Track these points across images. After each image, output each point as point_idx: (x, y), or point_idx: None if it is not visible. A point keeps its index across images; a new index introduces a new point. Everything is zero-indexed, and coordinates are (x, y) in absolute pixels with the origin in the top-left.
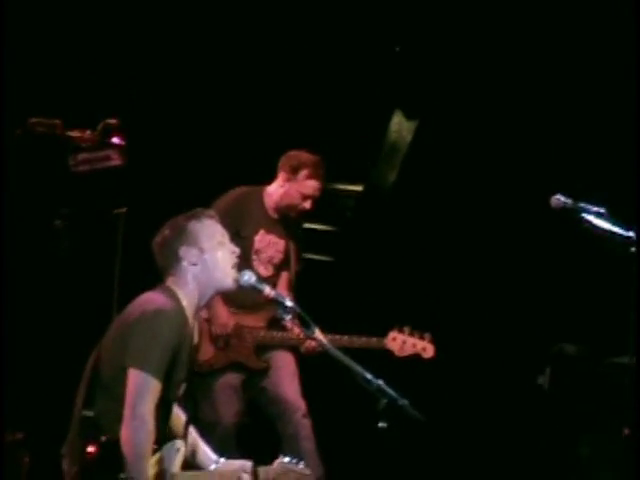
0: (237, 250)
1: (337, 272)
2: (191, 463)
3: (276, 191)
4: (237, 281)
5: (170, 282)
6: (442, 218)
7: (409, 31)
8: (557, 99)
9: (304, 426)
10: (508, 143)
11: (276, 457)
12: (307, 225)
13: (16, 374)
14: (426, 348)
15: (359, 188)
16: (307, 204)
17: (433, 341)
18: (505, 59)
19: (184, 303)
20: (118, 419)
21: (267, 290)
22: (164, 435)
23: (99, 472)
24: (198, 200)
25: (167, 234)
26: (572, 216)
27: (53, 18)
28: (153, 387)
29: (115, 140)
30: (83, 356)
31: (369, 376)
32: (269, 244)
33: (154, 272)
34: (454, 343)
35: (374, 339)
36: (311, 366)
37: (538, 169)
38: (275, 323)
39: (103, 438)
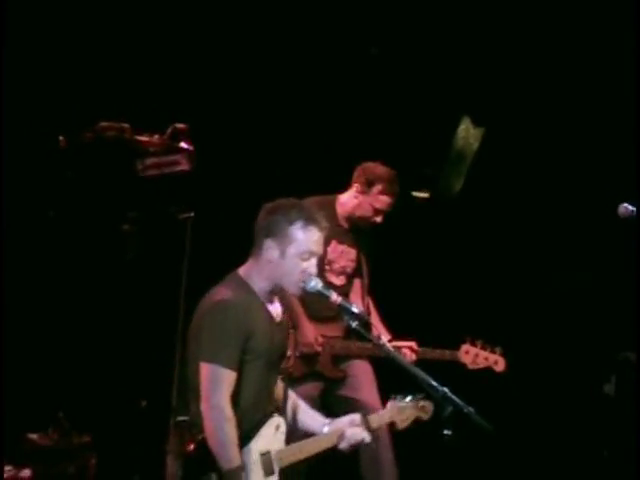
0: (314, 272)
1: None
2: (294, 430)
3: (349, 201)
4: (303, 289)
5: (245, 268)
6: (508, 226)
7: (478, 38)
8: (625, 108)
9: (383, 434)
10: (575, 151)
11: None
12: None
13: (83, 376)
14: (498, 361)
15: (426, 195)
16: (378, 218)
17: (504, 355)
18: (572, 67)
19: (255, 288)
20: None
21: (334, 297)
22: (263, 413)
23: (197, 468)
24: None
25: (270, 218)
26: (637, 224)
27: (121, 21)
28: (225, 377)
29: (183, 145)
30: (149, 359)
31: (435, 383)
32: (341, 254)
33: (221, 276)
34: (520, 352)
35: (447, 352)
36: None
37: (605, 177)
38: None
39: (200, 437)
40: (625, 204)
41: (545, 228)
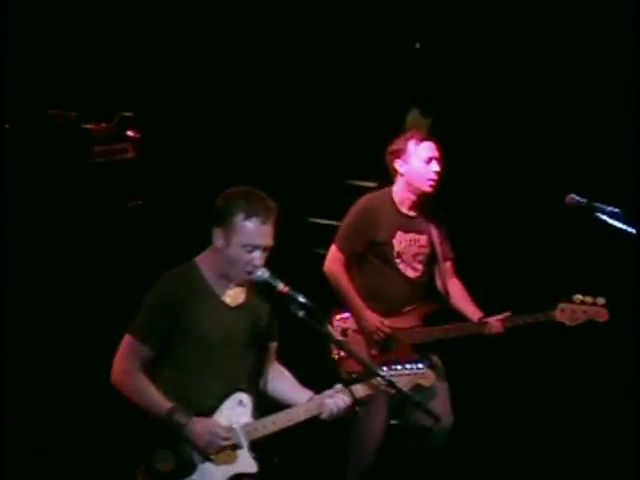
0: (258, 264)
1: None
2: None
3: (401, 182)
4: (250, 278)
5: (203, 253)
6: (456, 216)
7: (428, 28)
8: (574, 99)
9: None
10: (524, 141)
11: None
12: (320, 221)
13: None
14: (599, 313)
15: (374, 184)
16: (434, 166)
17: (606, 305)
18: (522, 58)
19: (206, 274)
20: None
21: (280, 286)
22: (220, 393)
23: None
24: (211, 193)
25: (219, 206)
26: (586, 215)
27: (70, 11)
28: (135, 347)
29: (130, 133)
30: (96, 349)
31: (382, 373)
32: (410, 243)
33: (168, 263)
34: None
35: (540, 314)
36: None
37: (554, 168)
38: (430, 320)
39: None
40: (572, 194)
41: (491, 217)
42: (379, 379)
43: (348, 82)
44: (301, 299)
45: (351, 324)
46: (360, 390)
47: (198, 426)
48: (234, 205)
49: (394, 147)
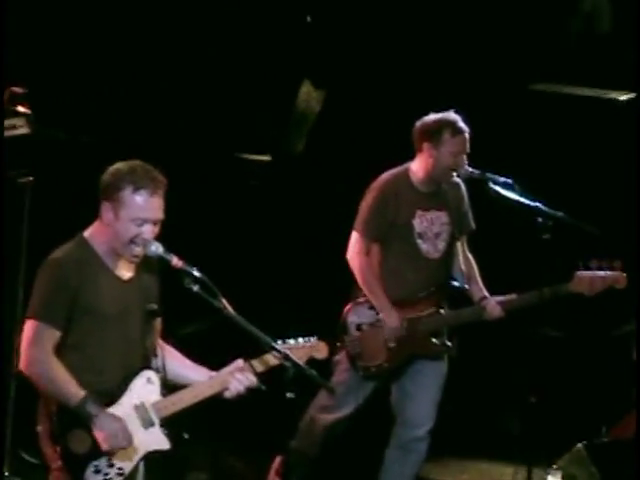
0: (148, 238)
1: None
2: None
3: (425, 163)
4: (144, 253)
5: (91, 228)
6: (350, 187)
7: (320, 1)
8: (464, 72)
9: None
10: (416, 113)
11: None
12: None
13: None
14: (618, 279)
15: (267, 158)
16: (460, 160)
17: (624, 268)
18: (408, 28)
19: (98, 248)
20: None
21: (174, 261)
22: (128, 369)
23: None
24: (100, 169)
25: (105, 181)
26: (479, 185)
27: None
28: (44, 332)
29: (21, 109)
30: None
31: (277, 346)
32: (431, 222)
33: (60, 241)
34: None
35: (559, 286)
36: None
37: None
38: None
39: None
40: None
41: None
42: (275, 352)
43: (240, 56)
44: (195, 273)
45: (366, 318)
46: (259, 365)
47: (105, 423)
48: (121, 179)
49: (429, 127)
